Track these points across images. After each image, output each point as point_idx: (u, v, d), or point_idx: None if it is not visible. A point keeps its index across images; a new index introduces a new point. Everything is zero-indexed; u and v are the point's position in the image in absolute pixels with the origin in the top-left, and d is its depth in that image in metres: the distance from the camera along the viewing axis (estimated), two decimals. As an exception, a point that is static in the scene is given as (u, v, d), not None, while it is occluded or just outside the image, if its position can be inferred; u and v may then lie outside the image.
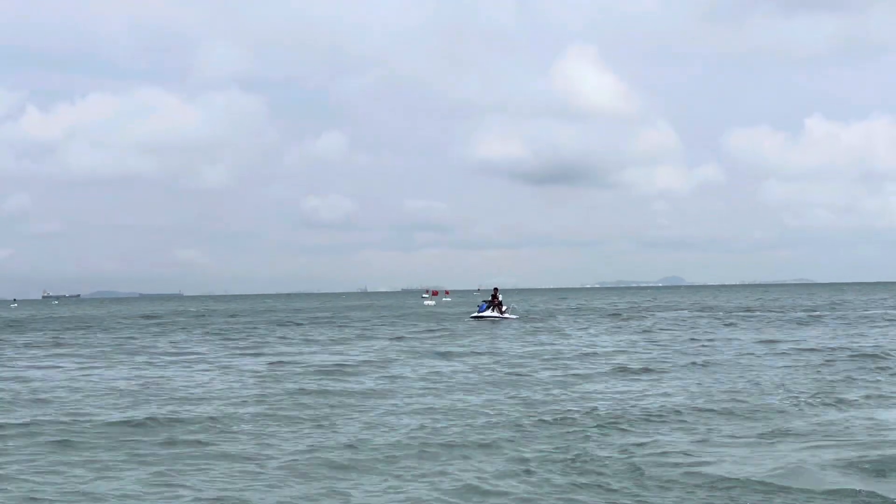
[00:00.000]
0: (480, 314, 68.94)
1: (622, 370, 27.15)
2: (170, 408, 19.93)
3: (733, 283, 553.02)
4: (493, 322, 64.89)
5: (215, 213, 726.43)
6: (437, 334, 49.69)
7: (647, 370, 27.03)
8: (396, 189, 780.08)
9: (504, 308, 70.46)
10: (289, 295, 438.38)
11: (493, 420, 17.70)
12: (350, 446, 15.10)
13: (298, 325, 67.42)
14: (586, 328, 54.57)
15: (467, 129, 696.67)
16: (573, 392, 22.06)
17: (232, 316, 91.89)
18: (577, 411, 18.58)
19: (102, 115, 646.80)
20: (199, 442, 15.66)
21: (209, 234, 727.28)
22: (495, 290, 72.18)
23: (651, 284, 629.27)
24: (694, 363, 28.96)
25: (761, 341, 39.15)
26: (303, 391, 22.76)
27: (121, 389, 23.75)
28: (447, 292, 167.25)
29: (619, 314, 76.06)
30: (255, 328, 61.87)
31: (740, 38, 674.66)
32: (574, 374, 26.32)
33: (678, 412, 18.18)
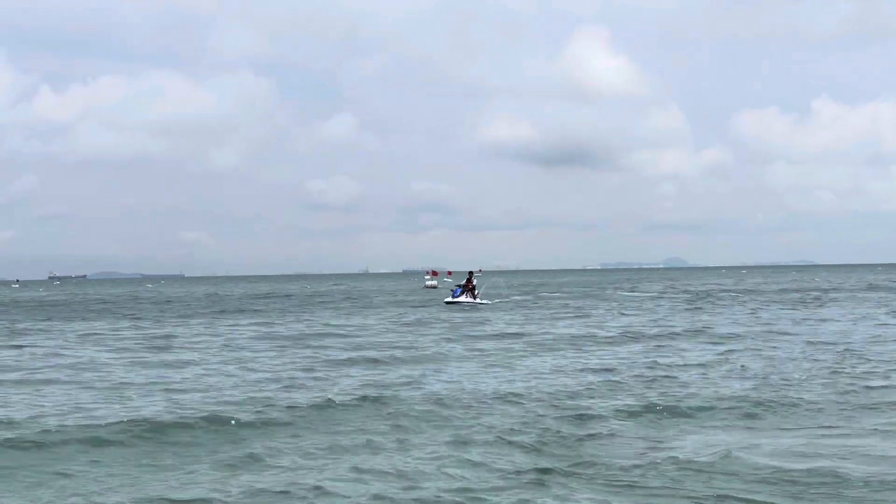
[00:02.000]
0: (455, 299, 68.51)
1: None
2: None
3: (735, 265, 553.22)
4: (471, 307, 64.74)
5: (222, 196, 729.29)
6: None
7: None
8: (403, 171, 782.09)
9: (477, 293, 70.13)
10: (291, 276, 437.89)
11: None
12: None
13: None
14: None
15: (477, 111, 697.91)
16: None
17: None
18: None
19: (113, 97, 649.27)
20: None
21: (214, 217, 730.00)
22: (470, 273, 71.11)
23: (653, 266, 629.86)
24: None
25: None
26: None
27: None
28: (449, 273, 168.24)
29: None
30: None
31: (752, 20, 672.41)
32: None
33: None
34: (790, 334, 35.05)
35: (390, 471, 12.88)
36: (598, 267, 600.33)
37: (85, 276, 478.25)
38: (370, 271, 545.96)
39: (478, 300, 69.42)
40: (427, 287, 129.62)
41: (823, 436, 15.04)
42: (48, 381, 23.44)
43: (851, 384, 20.81)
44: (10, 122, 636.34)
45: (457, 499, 11.54)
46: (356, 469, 13.00)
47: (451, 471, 12.88)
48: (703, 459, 13.22)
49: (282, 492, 11.91)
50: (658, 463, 13.10)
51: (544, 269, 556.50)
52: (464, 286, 69.93)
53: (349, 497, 11.67)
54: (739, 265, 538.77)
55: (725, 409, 17.69)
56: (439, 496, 11.67)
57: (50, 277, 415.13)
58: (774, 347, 29.92)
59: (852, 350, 28.49)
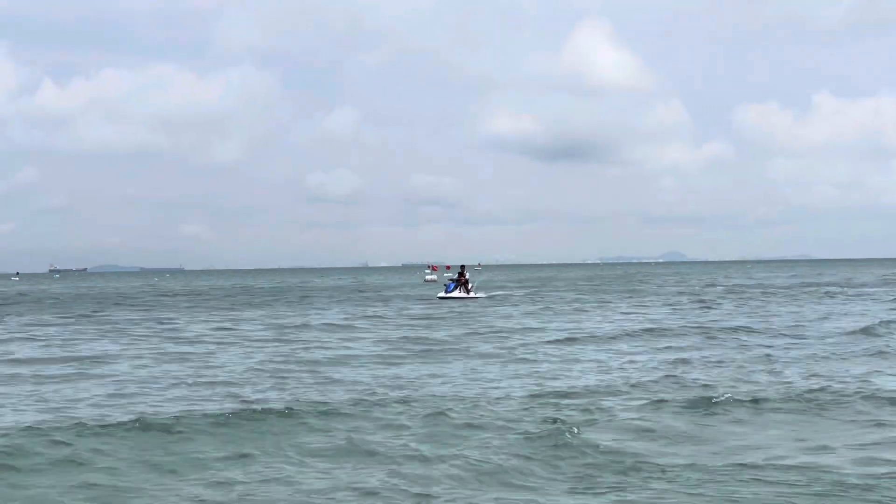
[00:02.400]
0: (448, 294, 67.01)
1: None
2: None
3: (734, 258, 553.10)
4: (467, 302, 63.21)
5: (223, 188, 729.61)
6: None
7: None
8: (405, 164, 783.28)
9: (470, 287, 68.58)
10: (289, 270, 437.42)
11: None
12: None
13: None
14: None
15: (479, 104, 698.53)
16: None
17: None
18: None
19: (116, 89, 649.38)
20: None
21: (215, 210, 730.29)
22: (462, 268, 69.97)
23: (653, 260, 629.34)
24: None
25: None
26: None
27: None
28: (448, 267, 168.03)
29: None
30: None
31: (754, 14, 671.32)
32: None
33: None
34: (819, 330, 34.38)
35: (399, 472, 12.50)
36: (598, 261, 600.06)
37: (85, 269, 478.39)
38: (369, 265, 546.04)
39: (472, 294, 68.12)
40: (427, 281, 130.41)
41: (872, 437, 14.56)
42: (71, 377, 23.09)
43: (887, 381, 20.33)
44: (12, 114, 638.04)
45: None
46: (361, 472, 12.58)
47: (460, 473, 12.45)
48: (732, 462, 12.92)
49: (274, 495, 11.54)
50: (687, 464, 12.74)
51: (543, 263, 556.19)
52: (457, 280, 68.39)
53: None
54: (740, 259, 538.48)
55: (759, 408, 17.04)
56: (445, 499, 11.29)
57: (50, 270, 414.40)
58: (805, 343, 29.48)
59: (885, 345, 27.85)
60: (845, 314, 43.43)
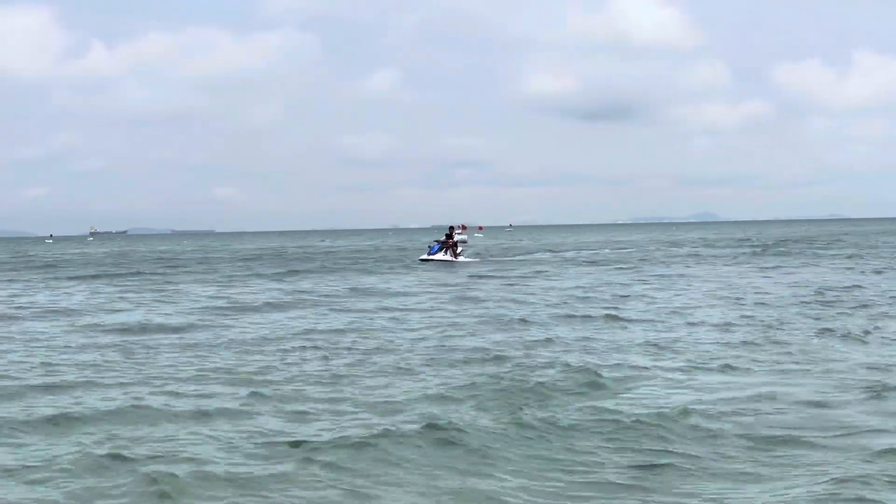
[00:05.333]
0: (431, 256, 63.43)
1: None
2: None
3: (766, 218, 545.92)
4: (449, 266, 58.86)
5: (259, 151, 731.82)
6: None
7: None
8: (439, 126, 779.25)
9: (459, 250, 64.57)
10: (321, 232, 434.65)
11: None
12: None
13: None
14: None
15: (519, 65, 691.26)
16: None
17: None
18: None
19: (159, 53, 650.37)
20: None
21: (249, 172, 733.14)
22: (451, 228, 65.29)
23: (683, 220, 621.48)
24: None
25: None
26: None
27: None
28: (480, 228, 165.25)
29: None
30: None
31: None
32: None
33: None
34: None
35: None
36: (629, 222, 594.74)
37: (125, 231, 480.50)
38: (399, 226, 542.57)
39: (461, 259, 64.52)
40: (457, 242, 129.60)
41: None
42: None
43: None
44: (57, 78, 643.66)
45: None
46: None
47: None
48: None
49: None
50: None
51: (573, 224, 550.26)
52: (443, 243, 64.06)
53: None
54: (772, 219, 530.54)
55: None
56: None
57: (91, 233, 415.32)
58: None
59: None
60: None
